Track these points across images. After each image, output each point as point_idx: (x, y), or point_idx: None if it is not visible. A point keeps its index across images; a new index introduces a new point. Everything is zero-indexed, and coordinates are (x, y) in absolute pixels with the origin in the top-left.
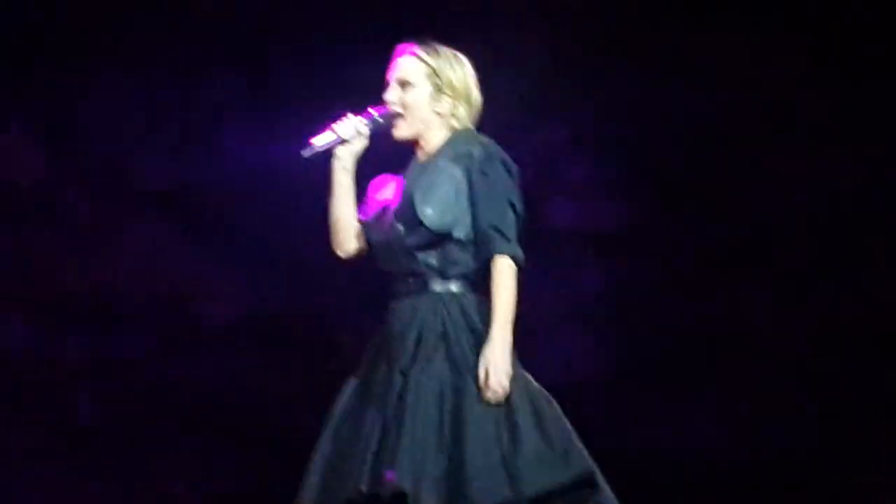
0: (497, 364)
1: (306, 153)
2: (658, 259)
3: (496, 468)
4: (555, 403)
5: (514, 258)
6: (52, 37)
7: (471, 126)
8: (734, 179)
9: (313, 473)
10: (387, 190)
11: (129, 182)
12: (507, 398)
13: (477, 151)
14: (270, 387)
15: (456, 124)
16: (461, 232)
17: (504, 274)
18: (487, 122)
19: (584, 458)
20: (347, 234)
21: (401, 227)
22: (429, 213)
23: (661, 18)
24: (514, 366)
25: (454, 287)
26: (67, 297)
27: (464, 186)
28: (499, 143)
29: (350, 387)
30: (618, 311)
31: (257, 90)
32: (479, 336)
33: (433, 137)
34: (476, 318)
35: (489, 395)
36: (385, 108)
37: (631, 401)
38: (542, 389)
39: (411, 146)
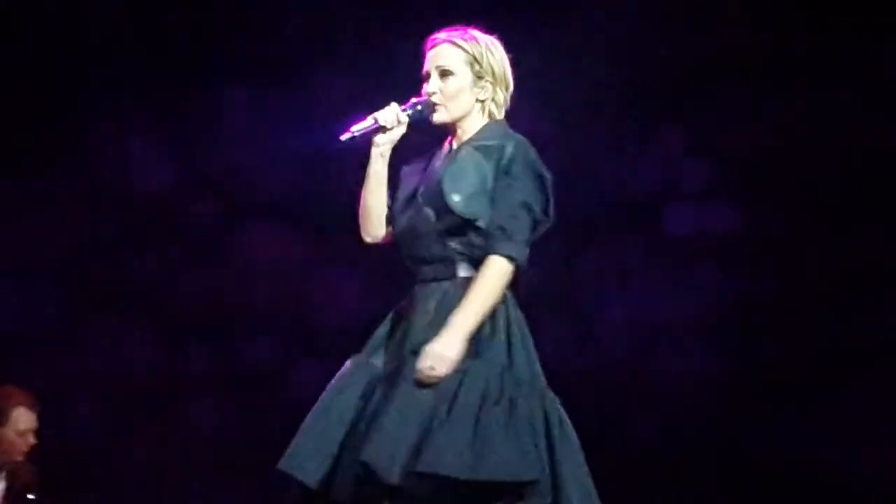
0: (436, 352)
1: (345, 138)
2: (779, 267)
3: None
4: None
5: (511, 259)
6: (175, 49)
7: (505, 110)
8: (861, 188)
9: (317, 452)
10: (414, 175)
11: (252, 192)
12: (456, 388)
13: (509, 149)
14: None
15: (494, 109)
16: (483, 222)
17: (491, 270)
18: (604, 131)
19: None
20: (378, 221)
21: (430, 212)
22: (456, 200)
23: (783, 23)
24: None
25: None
26: (192, 307)
27: (491, 179)
28: (617, 153)
29: (358, 366)
30: (738, 319)
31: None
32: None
33: (471, 123)
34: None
35: (419, 376)
36: (425, 97)
37: (751, 409)
38: (549, 398)
39: (443, 133)
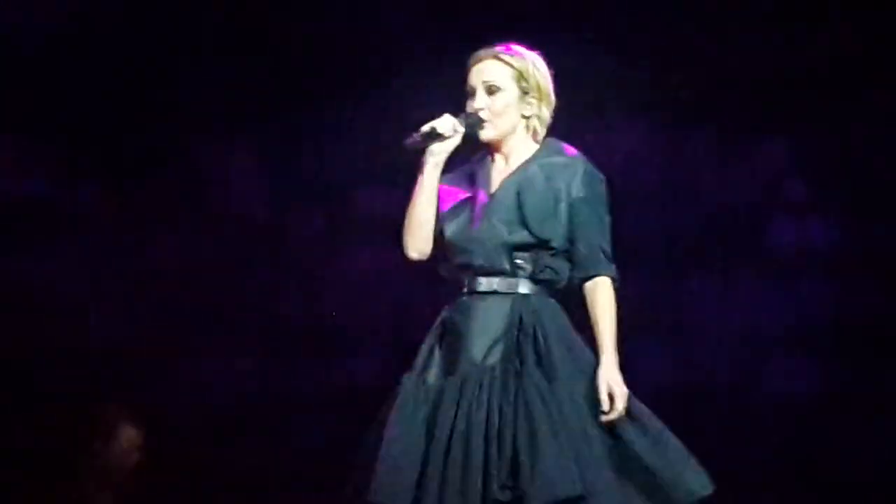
0: (618, 385)
1: (408, 143)
2: (881, 279)
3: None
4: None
5: (614, 280)
6: (277, 67)
7: (546, 127)
8: None
9: (404, 479)
10: (462, 187)
11: (353, 209)
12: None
13: (580, 169)
14: None
15: (538, 126)
16: (557, 242)
17: (609, 294)
18: (705, 145)
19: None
20: (428, 236)
21: (501, 226)
22: (533, 218)
23: (890, 36)
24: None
25: (540, 290)
26: (294, 325)
27: (564, 200)
28: (719, 163)
29: (416, 385)
30: (841, 331)
31: None
32: (570, 345)
33: (516, 140)
34: (563, 327)
35: (613, 415)
36: (474, 112)
37: (858, 426)
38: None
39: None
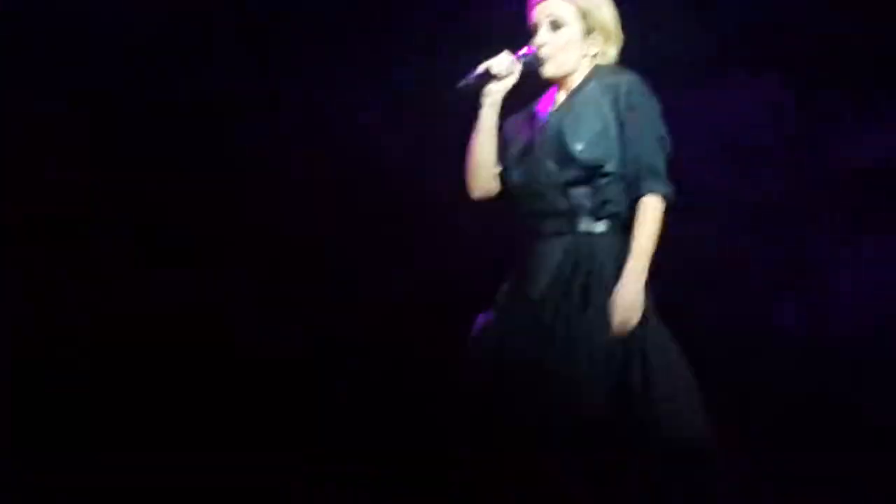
0: (626, 301)
1: (461, 85)
2: None
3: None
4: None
5: (665, 197)
6: None
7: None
8: None
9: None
10: (523, 128)
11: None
12: (643, 339)
13: (624, 83)
14: None
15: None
16: (613, 165)
17: (652, 212)
18: (838, 101)
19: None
20: (489, 174)
21: (552, 164)
22: (580, 148)
23: None
24: (647, 306)
25: (604, 227)
26: None
27: (612, 119)
28: (852, 121)
29: (494, 324)
30: None
31: None
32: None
33: (579, 77)
34: (614, 263)
35: (616, 330)
36: (535, 49)
37: None
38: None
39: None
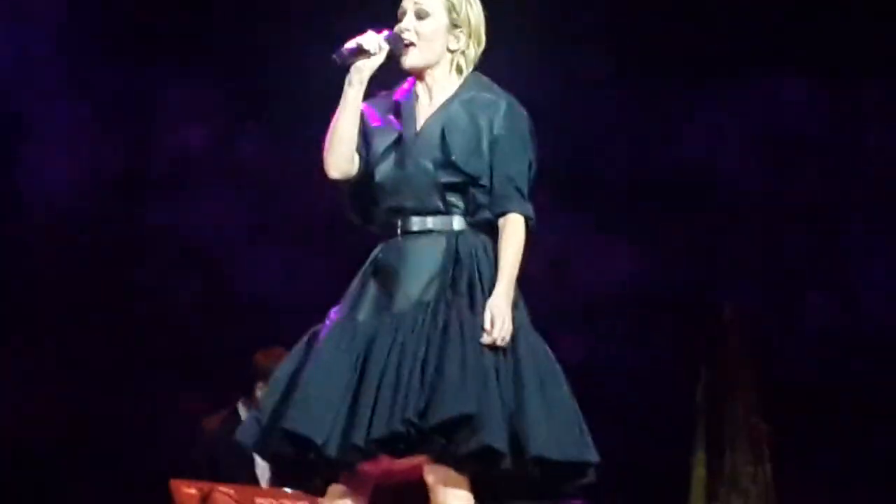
0: (504, 314)
1: (337, 59)
2: None
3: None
4: (560, 376)
5: (527, 218)
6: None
7: (473, 66)
8: None
9: (318, 412)
10: (387, 119)
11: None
12: (515, 351)
13: (502, 103)
14: None
15: (462, 63)
16: (485, 180)
17: (517, 230)
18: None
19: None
20: (349, 154)
21: (428, 164)
22: (458, 157)
23: None
24: (519, 323)
25: (476, 229)
26: None
27: (486, 137)
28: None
29: (345, 324)
30: None
31: None
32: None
33: (439, 73)
34: (494, 265)
35: (497, 341)
36: (399, 33)
37: None
38: (550, 355)
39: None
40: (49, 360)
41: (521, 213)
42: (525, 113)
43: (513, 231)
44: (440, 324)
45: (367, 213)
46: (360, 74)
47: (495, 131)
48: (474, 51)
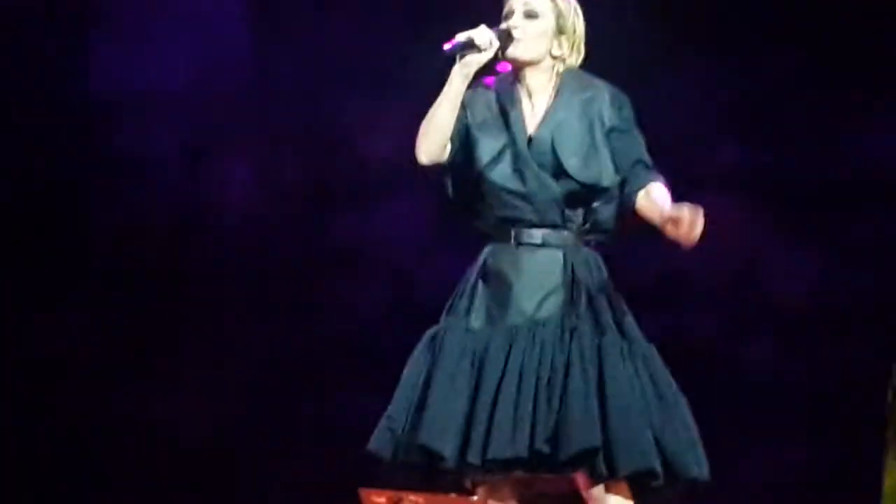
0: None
1: (447, 48)
2: None
3: (647, 438)
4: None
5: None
6: None
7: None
8: None
9: (445, 425)
10: (487, 115)
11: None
12: (653, 371)
13: (605, 94)
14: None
15: (562, 70)
16: (608, 180)
17: (663, 189)
18: None
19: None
20: (444, 140)
21: (548, 178)
22: (573, 163)
23: None
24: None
25: (591, 242)
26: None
27: (598, 132)
28: None
29: (465, 330)
30: None
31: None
32: (610, 297)
33: (540, 77)
34: (607, 281)
35: (693, 236)
36: (509, 30)
37: None
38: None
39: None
40: (240, 371)
41: (659, 182)
42: (626, 97)
43: (661, 192)
44: (567, 347)
45: (470, 208)
46: (467, 69)
47: (607, 123)
48: (574, 60)
